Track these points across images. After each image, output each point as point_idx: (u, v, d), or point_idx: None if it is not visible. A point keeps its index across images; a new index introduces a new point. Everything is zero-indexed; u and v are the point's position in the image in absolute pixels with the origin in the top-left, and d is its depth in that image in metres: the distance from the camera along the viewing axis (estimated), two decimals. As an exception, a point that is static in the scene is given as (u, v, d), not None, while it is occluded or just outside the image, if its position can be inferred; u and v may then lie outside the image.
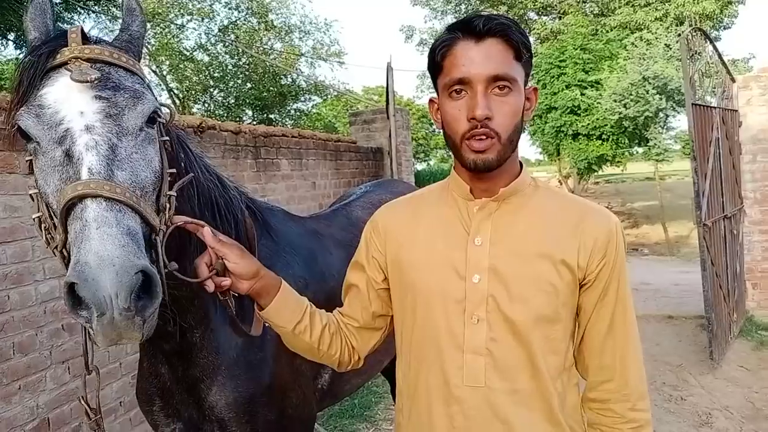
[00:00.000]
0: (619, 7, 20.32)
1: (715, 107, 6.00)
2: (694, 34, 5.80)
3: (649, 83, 14.60)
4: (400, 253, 1.40)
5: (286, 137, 5.91)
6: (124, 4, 1.44)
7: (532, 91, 1.34)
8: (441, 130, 1.35)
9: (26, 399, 2.99)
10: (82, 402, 1.38)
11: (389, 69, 7.49)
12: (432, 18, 25.18)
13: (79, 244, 1.10)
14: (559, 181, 21.60)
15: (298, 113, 22.22)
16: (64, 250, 1.21)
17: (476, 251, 1.30)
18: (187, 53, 20.27)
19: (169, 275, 1.30)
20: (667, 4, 19.49)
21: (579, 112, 16.68)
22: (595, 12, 21.70)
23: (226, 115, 20.30)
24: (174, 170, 1.41)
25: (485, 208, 1.33)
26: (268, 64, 19.72)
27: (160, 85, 21.14)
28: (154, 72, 21.06)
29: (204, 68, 20.40)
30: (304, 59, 22.17)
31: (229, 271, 1.34)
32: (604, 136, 16.57)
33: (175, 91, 21.41)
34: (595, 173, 19.89)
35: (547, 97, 16.90)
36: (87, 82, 1.22)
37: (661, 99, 14.59)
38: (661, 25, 17.74)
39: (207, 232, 1.34)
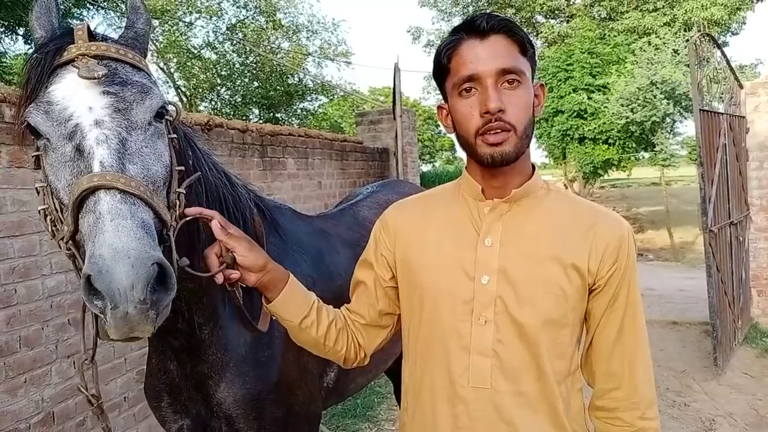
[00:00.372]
0: (627, 12, 20.30)
1: (722, 113, 5.98)
2: (702, 39, 5.79)
3: (657, 88, 14.58)
4: (409, 252, 1.41)
5: (293, 136, 5.92)
6: (128, 3, 1.45)
7: (540, 88, 1.34)
8: (453, 134, 1.35)
9: (31, 392, 3.00)
10: (82, 390, 1.37)
11: (396, 70, 7.49)
12: (439, 19, 25.23)
13: (94, 237, 1.10)
14: (565, 185, 21.56)
15: (304, 112, 22.27)
16: (70, 242, 1.22)
17: (486, 252, 1.30)
18: (195, 51, 20.34)
19: (180, 271, 1.30)
20: (675, 9, 19.46)
21: (585, 115, 16.67)
22: (602, 16, 21.69)
23: (232, 113, 20.35)
24: (182, 167, 1.41)
25: (496, 209, 1.32)
26: (275, 63, 19.76)
27: (168, 82, 21.20)
28: (162, 69, 21.13)
29: (211, 66, 20.47)
30: (311, 59, 22.23)
31: (237, 263, 1.34)
32: (610, 141, 16.55)
33: (183, 89, 21.47)
34: (601, 177, 19.86)
35: (553, 101, 16.88)
36: (94, 78, 1.24)
37: (668, 104, 14.57)
38: (669, 30, 17.71)
39: (216, 225, 1.34)
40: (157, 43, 20.23)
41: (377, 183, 3.52)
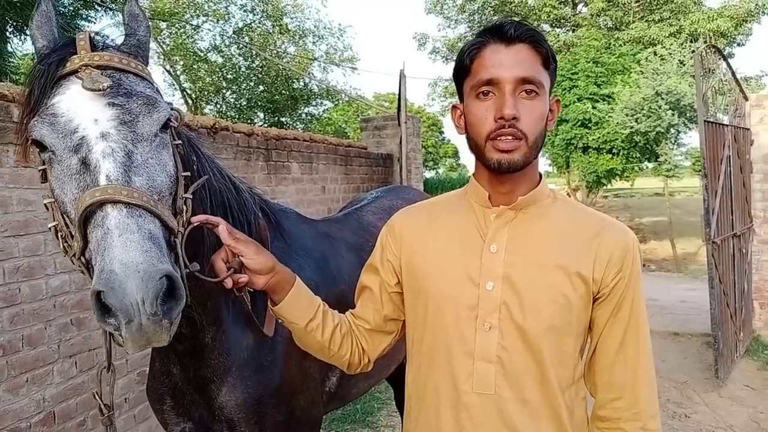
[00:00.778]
0: (633, 22, 20.34)
1: (727, 125, 5.99)
2: (708, 51, 5.79)
3: (662, 98, 14.56)
4: (415, 257, 1.41)
5: (298, 141, 5.93)
6: (126, 11, 1.45)
7: (555, 102, 1.35)
8: (464, 135, 1.36)
9: (33, 392, 3.01)
10: (97, 398, 1.39)
11: (402, 76, 7.51)
12: (445, 26, 25.30)
13: (103, 252, 1.10)
14: (568, 194, 21.54)
15: (309, 117, 22.31)
16: (82, 257, 1.22)
17: (491, 258, 1.30)
18: (201, 54, 20.39)
19: (189, 276, 1.31)
20: (681, 20, 19.48)
21: (590, 125, 16.64)
22: (608, 26, 21.72)
23: (237, 116, 20.39)
24: (188, 173, 1.42)
25: (503, 216, 1.33)
26: (281, 67, 19.81)
27: (174, 84, 21.28)
28: (168, 72, 21.21)
29: (217, 69, 20.53)
30: (316, 64, 22.28)
31: (245, 267, 1.35)
32: (614, 150, 16.51)
33: (188, 92, 21.54)
34: (604, 187, 19.82)
35: (558, 110, 16.84)
36: (99, 90, 1.23)
37: (673, 115, 14.55)
38: (675, 40, 17.71)
39: (223, 230, 1.35)
40: (164, 46, 20.34)
41: (382, 188, 3.53)
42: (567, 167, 18.91)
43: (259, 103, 20.66)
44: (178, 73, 21.47)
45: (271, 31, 20.72)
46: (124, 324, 1.07)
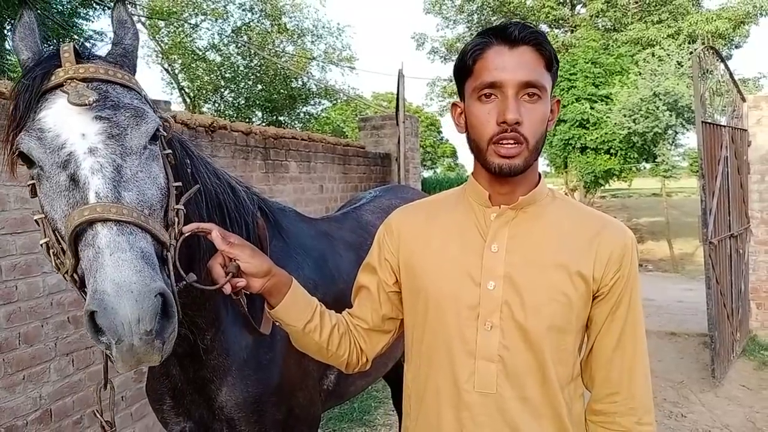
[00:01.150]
0: (632, 23, 20.38)
1: (724, 126, 6.00)
2: (706, 52, 5.81)
3: (660, 99, 14.61)
4: (413, 256, 1.41)
5: (296, 140, 5.93)
6: (114, 17, 1.41)
7: (556, 103, 1.35)
8: (464, 134, 1.36)
9: (30, 389, 3.01)
10: (98, 416, 1.37)
11: (401, 76, 7.52)
12: (444, 27, 25.30)
13: (95, 273, 1.08)
14: (566, 194, 21.55)
15: (307, 116, 22.32)
16: (75, 274, 1.20)
17: (492, 258, 1.30)
18: (200, 53, 20.39)
19: (187, 285, 1.30)
20: (680, 21, 19.53)
21: (588, 125, 16.68)
22: (607, 27, 21.77)
23: (235, 115, 20.39)
24: (180, 183, 1.39)
25: (503, 215, 1.33)
26: (279, 66, 19.82)
27: (172, 83, 21.26)
28: (167, 70, 21.20)
29: (216, 68, 20.52)
30: (315, 63, 22.29)
31: (241, 270, 1.33)
32: (612, 151, 16.56)
33: (186, 90, 21.53)
34: (602, 187, 19.87)
35: (556, 110, 16.88)
36: (85, 105, 1.20)
37: (671, 116, 14.59)
38: (673, 42, 17.76)
39: (216, 236, 1.32)
40: (162, 44, 20.32)
41: (380, 187, 3.53)
42: (565, 167, 18.94)
43: (258, 102, 20.66)
44: (177, 71, 21.46)
45: (269, 30, 20.73)
46: (115, 344, 1.05)
